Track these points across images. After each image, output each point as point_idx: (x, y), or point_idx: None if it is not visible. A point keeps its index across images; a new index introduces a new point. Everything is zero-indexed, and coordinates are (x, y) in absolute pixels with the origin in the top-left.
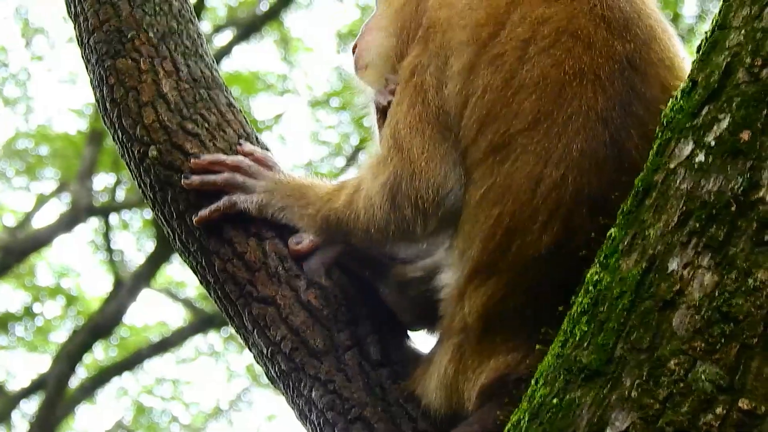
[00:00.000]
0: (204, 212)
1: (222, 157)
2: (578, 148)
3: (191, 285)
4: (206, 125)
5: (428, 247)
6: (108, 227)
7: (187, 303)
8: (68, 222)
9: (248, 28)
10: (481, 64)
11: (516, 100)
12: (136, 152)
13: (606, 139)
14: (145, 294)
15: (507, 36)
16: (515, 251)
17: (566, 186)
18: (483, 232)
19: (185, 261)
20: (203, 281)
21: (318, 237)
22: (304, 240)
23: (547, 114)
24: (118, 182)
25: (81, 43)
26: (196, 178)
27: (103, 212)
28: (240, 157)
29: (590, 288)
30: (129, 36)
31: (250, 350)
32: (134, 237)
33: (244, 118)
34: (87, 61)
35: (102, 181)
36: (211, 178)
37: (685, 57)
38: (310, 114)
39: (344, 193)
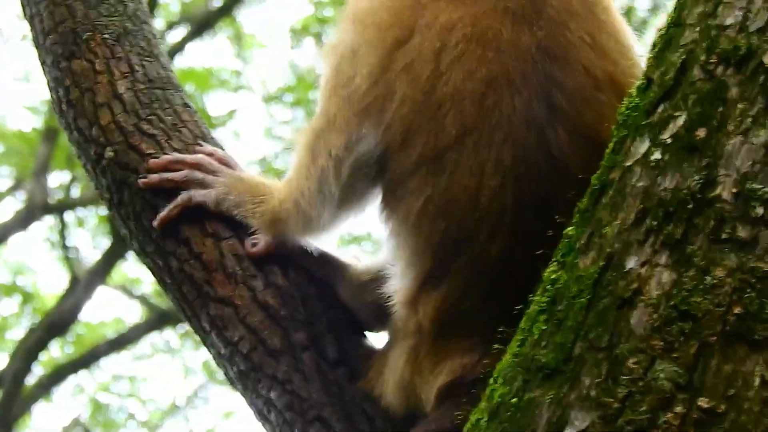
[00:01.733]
0: (163, 213)
1: (182, 156)
2: (510, 156)
3: (147, 282)
4: (162, 126)
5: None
6: (63, 224)
7: (143, 300)
8: (23, 219)
9: (201, 24)
10: (394, 69)
11: (438, 115)
12: (92, 153)
13: (533, 141)
14: (100, 291)
15: (418, 45)
16: (466, 260)
17: (506, 194)
18: (431, 244)
19: (142, 261)
20: (160, 282)
21: (269, 236)
22: (261, 242)
23: (471, 128)
24: (73, 180)
25: (37, 45)
26: (154, 176)
27: (59, 209)
28: (201, 156)
29: (548, 287)
30: (84, 37)
31: (209, 350)
32: (90, 234)
33: (200, 119)
34: (43, 63)
35: (57, 178)
36: (170, 175)
37: (616, 25)
38: (264, 110)
39: (289, 175)
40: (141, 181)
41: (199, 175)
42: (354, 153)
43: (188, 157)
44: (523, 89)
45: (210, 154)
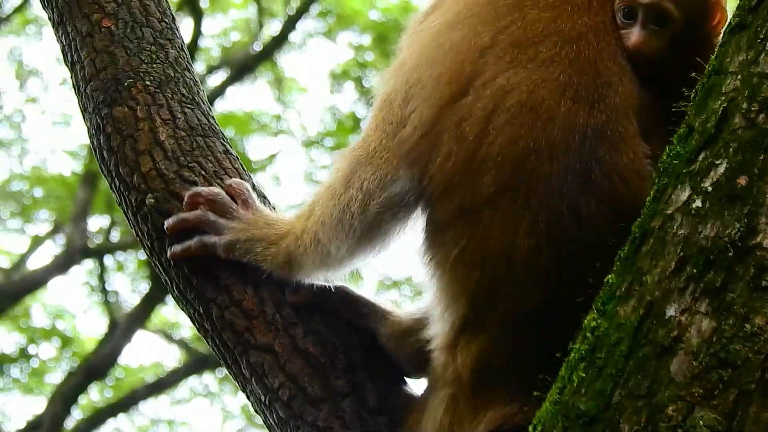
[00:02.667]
0: (176, 248)
1: (200, 189)
2: (544, 220)
3: (186, 326)
4: (203, 173)
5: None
6: (103, 268)
7: (182, 344)
8: (63, 263)
9: (242, 68)
10: (445, 123)
11: (479, 172)
12: (133, 200)
13: (565, 209)
14: (139, 335)
15: (471, 103)
16: (502, 311)
17: (541, 255)
18: (466, 292)
19: (182, 309)
20: (201, 329)
21: (285, 277)
22: (301, 289)
23: (508, 189)
24: (112, 224)
25: (78, 92)
26: (172, 220)
27: (98, 253)
28: (216, 189)
29: (588, 334)
30: (126, 84)
31: (248, 398)
32: (129, 278)
33: (241, 166)
34: (84, 110)
35: (96, 222)
36: (185, 216)
37: None
38: (304, 154)
39: (307, 209)
40: (166, 226)
41: (211, 217)
42: (386, 192)
43: (204, 191)
44: (563, 160)
45: (227, 187)
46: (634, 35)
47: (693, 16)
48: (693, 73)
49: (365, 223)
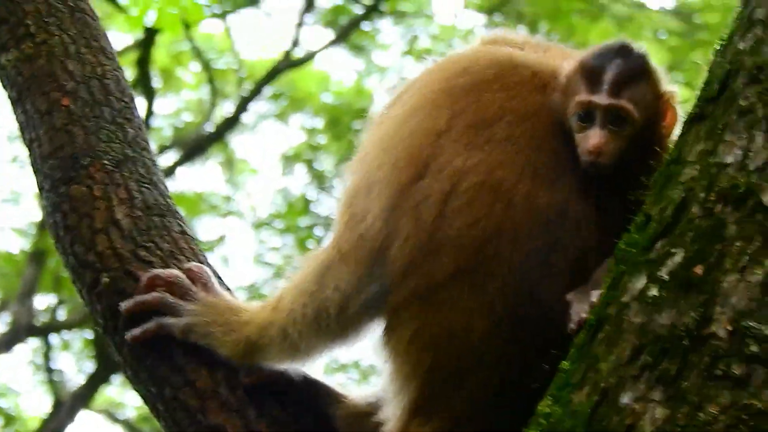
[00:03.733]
0: (136, 332)
1: (159, 271)
2: (501, 304)
3: (130, 406)
4: (159, 252)
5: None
6: (48, 347)
7: (127, 424)
8: (8, 341)
9: (193, 148)
10: (404, 208)
11: (438, 255)
12: (88, 279)
13: (525, 295)
14: (84, 414)
15: (427, 187)
16: (454, 396)
17: (496, 339)
18: (419, 375)
19: (135, 388)
20: (153, 409)
21: (243, 364)
22: (255, 372)
23: (467, 271)
24: (59, 302)
25: (35, 169)
26: (131, 302)
27: (44, 332)
28: (176, 272)
29: (541, 421)
30: (84, 163)
31: None
32: (74, 357)
33: (197, 246)
34: (41, 188)
35: (43, 301)
36: (143, 298)
37: None
38: (253, 236)
39: (272, 301)
40: (124, 308)
41: (170, 300)
42: (364, 293)
43: (164, 273)
44: (526, 243)
45: (186, 270)
46: (593, 137)
47: (650, 116)
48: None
49: (342, 323)
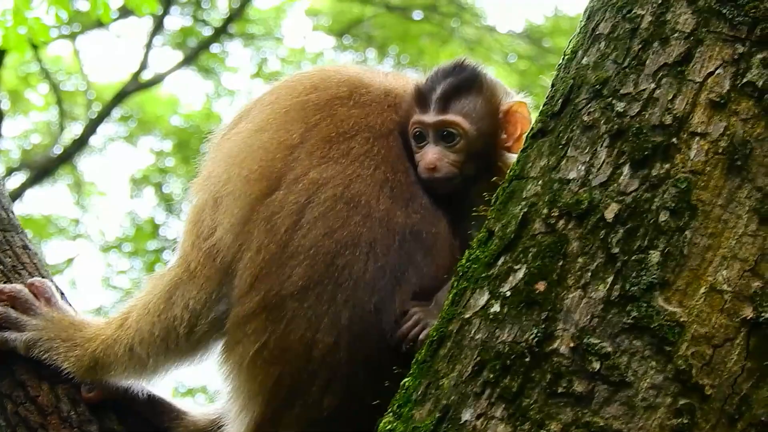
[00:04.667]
0: None
1: (1, 285)
2: (347, 317)
3: None
4: (1, 267)
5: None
6: None
7: None
8: None
9: (41, 171)
10: (256, 220)
11: (289, 264)
12: None
13: (371, 308)
14: None
15: (282, 198)
16: (298, 410)
17: (340, 352)
18: (264, 390)
19: None
20: None
21: (86, 380)
22: (96, 387)
23: (317, 282)
24: None
25: None
26: None
27: None
28: (18, 286)
29: None
30: None
31: None
32: None
33: (40, 261)
34: None
35: None
36: None
37: None
38: (102, 259)
39: (118, 318)
40: None
41: (13, 314)
42: (213, 311)
43: (6, 287)
44: (381, 260)
45: (29, 285)
46: (426, 154)
47: (487, 128)
48: (494, 178)
49: (191, 342)
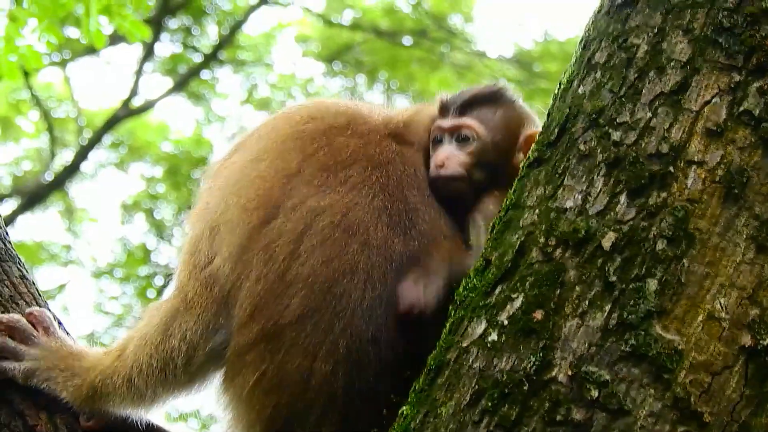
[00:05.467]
0: None
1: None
2: (344, 345)
3: None
4: None
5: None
6: None
7: None
8: None
9: (33, 197)
10: (254, 249)
11: (287, 293)
12: None
13: (368, 337)
14: None
15: (280, 226)
16: None
17: (337, 380)
18: (261, 419)
19: None
20: None
21: (85, 409)
22: (95, 416)
23: (315, 310)
24: None
25: None
26: None
27: None
28: (16, 316)
29: None
30: None
31: None
32: None
33: (37, 291)
34: None
35: None
36: None
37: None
38: (93, 284)
39: (116, 349)
40: None
41: (11, 344)
42: (210, 342)
43: (4, 317)
44: (378, 288)
45: (28, 314)
46: (439, 153)
47: (502, 140)
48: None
49: (189, 373)
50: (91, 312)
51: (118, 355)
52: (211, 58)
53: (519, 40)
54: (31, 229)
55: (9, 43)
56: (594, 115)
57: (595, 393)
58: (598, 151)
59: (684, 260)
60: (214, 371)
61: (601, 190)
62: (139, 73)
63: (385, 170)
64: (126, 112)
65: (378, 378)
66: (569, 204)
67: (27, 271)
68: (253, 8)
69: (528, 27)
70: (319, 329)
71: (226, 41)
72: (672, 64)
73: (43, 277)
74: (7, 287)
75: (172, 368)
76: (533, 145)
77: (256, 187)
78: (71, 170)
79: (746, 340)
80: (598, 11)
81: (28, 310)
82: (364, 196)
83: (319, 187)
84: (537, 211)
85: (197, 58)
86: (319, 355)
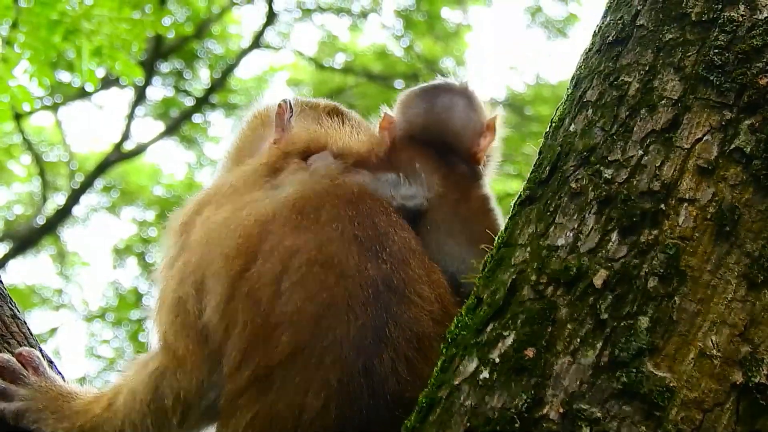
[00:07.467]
0: None
1: None
2: (335, 378)
3: None
4: None
5: None
6: None
7: None
8: None
9: (25, 241)
10: (238, 296)
11: (274, 335)
12: None
13: (359, 368)
14: None
15: (260, 269)
16: None
17: (329, 415)
18: None
19: None
20: None
21: None
22: None
23: (303, 347)
24: None
25: None
26: None
27: None
28: (6, 356)
29: None
30: None
31: None
32: None
33: (28, 330)
34: None
35: None
36: None
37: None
38: (85, 328)
39: (106, 397)
40: None
41: (1, 384)
42: (205, 399)
43: None
44: (361, 317)
45: (17, 354)
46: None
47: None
48: (482, 246)
49: (184, 429)
50: (83, 356)
51: (107, 405)
52: (203, 102)
53: (511, 83)
54: (23, 273)
55: (1, 84)
56: (585, 153)
57: (586, 430)
58: (590, 189)
59: (675, 298)
60: (210, 423)
61: (592, 227)
62: (130, 116)
63: (355, 206)
64: (118, 156)
65: (371, 411)
66: (561, 242)
67: (19, 311)
68: (244, 52)
69: (520, 70)
70: (309, 365)
71: (218, 85)
72: (663, 101)
73: (35, 321)
74: None
75: (167, 427)
76: (524, 183)
77: (235, 236)
78: (63, 214)
79: (738, 377)
80: (589, 49)
81: (18, 350)
82: (335, 230)
83: (293, 228)
84: (528, 249)
85: (189, 102)
86: (311, 390)
